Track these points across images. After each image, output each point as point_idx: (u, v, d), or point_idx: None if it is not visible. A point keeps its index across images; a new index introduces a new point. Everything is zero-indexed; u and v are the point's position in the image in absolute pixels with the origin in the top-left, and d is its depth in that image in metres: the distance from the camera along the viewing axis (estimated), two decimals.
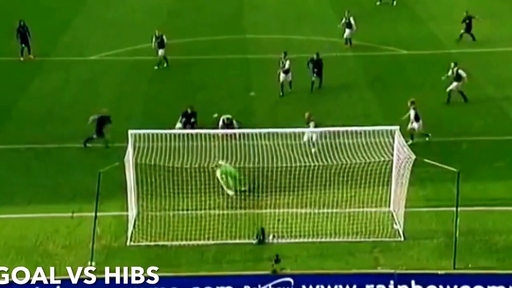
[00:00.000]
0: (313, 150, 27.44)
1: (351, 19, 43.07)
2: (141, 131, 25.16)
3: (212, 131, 28.15)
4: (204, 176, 26.27)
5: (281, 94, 35.96)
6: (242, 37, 45.47)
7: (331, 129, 26.22)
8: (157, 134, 25.36)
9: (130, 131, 25.01)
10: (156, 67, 40.16)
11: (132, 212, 25.20)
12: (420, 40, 43.56)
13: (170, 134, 25.64)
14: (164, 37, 40.19)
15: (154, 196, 26.07)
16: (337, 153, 25.76)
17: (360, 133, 26.02)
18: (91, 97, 36.61)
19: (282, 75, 36.13)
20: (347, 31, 43.17)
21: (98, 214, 23.20)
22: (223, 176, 26.92)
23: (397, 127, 25.10)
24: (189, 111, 31.55)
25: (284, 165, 26.38)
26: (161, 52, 40.26)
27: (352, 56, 42.02)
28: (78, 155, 28.59)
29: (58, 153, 28.71)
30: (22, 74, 39.57)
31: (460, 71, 34.33)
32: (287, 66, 35.89)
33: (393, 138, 25.17)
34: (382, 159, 25.39)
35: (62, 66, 41.01)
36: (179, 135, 25.79)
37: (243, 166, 26.46)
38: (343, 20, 43.25)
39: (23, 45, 41.08)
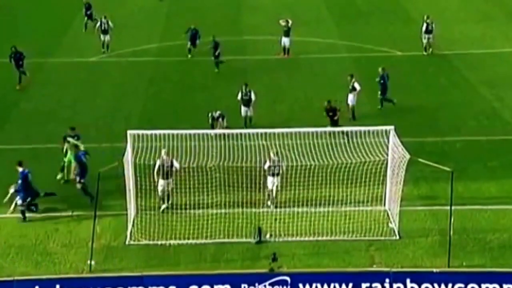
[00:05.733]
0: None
1: (289, 27, 42.13)
2: (140, 132, 25.37)
3: (209, 131, 28.42)
4: (202, 176, 26.43)
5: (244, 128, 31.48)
6: (239, 38, 45.68)
7: (327, 129, 26.47)
8: (155, 134, 25.54)
9: (129, 131, 25.23)
10: (103, 50, 42.58)
11: (131, 211, 25.33)
12: (414, 42, 43.76)
13: (168, 134, 25.75)
14: (110, 23, 42.92)
15: (153, 196, 26.22)
16: (333, 153, 25.92)
17: (356, 133, 26.24)
18: (91, 97, 36.88)
19: (243, 108, 32.57)
20: (285, 39, 42.16)
21: (97, 213, 23.37)
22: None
23: (391, 127, 25.29)
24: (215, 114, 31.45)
25: (280, 164, 26.43)
26: (103, 37, 42.67)
27: (347, 57, 42.29)
28: None
29: (59, 153, 28.80)
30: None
31: (356, 84, 33.70)
32: (253, 98, 32.42)
33: (388, 138, 25.36)
34: (377, 158, 25.56)
35: (63, 67, 41.21)
36: (177, 135, 25.93)
37: (240, 165, 26.59)
38: (283, 28, 42.25)
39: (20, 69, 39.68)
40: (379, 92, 34.71)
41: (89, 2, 46.98)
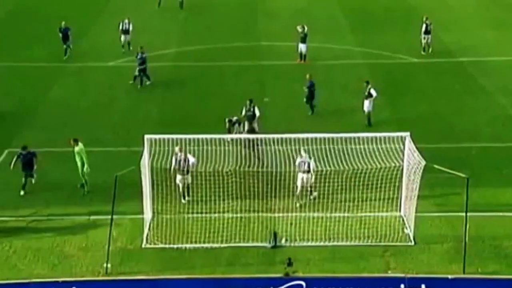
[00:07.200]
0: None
1: (306, 33, 42.08)
2: (157, 136, 25.42)
3: (226, 136, 28.48)
4: (218, 180, 26.47)
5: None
6: (256, 44, 45.85)
7: (343, 135, 26.39)
8: (172, 139, 25.65)
9: (146, 136, 25.30)
10: (123, 50, 43.30)
11: (147, 215, 25.45)
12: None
13: (185, 139, 25.91)
14: (130, 25, 44.07)
15: (169, 199, 26.34)
16: (349, 159, 25.95)
17: (372, 139, 26.25)
18: (109, 102, 37.06)
19: (247, 124, 31.08)
20: (302, 45, 42.12)
21: (114, 216, 23.41)
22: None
23: (407, 133, 25.30)
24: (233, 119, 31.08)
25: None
26: (124, 37, 43.84)
27: (363, 63, 42.30)
28: (96, 159, 28.75)
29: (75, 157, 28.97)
30: (41, 80, 40.02)
31: (372, 90, 33.69)
32: (257, 113, 31.44)
33: (403, 144, 25.37)
34: (393, 164, 25.54)
35: (81, 72, 41.42)
36: (193, 139, 26.08)
37: (256, 170, 26.75)
38: (300, 35, 42.16)
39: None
40: (305, 99, 34.84)
41: (67, 26, 43.29)
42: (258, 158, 28.06)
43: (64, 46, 42.88)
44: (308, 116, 34.72)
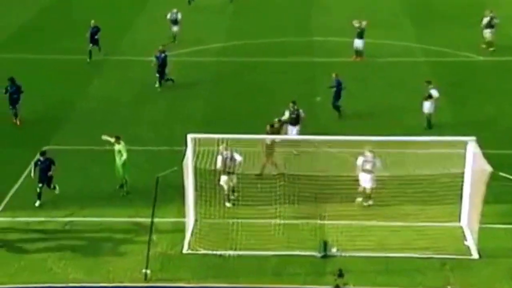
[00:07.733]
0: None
1: (363, 28, 41.07)
2: (201, 135, 24.86)
3: (274, 137, 27.85)
4: (265, 183, 25.88)
5: (295, 153, 29.25)
6: (309, 39, 45.12)
7: (402, 138, 25.80)
8: (217, 138, 25.15)
9: (189, 135, 24.69)
10: (173, 41, 43.25)
11: (189, 219, 24.89)
12: (497, 46, 42.41)
13: (230, 139, 25.32)
14: (179, 14, 44.08)
15: (213, 203, 25.72)
16: (406, 164, 25.34)
17: (432, 143, 25.44)
18: (151, 98, 36.57)
19: (289, 127, 30.15)
20: (358, 41, 41.11)
21: (154, 220, 22.94)
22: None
23: (473, 138, 24.16)
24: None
25: (349, 174, 25.88)
26: (175, 28, 44.02)
27: (424, 61, 41.28)
28: (136, 158, 28.32)
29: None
30: (81, 74, 39.73)
31: (433, 91, 32.27)
32: (302, 115, 30.22)
33: (466, 148, 24.28)
34: (455, 171, 24.66)
35: (122, 66, 41.15)
36: (239, 139, 25.52)
37: (306, 174, 26.01)
38: (356, 30, 41.16)
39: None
40: (332, 99, 33.57)
41: (97, 25, 41.16)
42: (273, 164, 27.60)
43: (89, 48, 41.22)
44: (362, 117, 33.67)
